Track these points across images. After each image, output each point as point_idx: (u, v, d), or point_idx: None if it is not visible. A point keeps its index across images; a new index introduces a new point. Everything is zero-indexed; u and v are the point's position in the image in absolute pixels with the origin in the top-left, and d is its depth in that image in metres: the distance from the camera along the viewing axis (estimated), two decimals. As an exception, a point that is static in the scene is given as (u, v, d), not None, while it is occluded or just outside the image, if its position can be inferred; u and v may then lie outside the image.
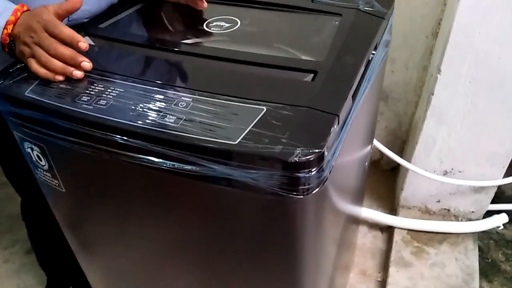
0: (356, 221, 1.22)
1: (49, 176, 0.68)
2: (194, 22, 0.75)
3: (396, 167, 1.49)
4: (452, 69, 1.04)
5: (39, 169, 0.69)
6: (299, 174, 0.48)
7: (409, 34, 1.22)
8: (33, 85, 0.61)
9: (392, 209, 1.41)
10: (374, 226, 1.37)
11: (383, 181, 1.50)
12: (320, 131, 0.50)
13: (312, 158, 0.47)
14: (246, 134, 0.50)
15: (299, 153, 0.47)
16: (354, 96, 0.59)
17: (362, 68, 0.62)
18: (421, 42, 1.23)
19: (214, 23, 0.74)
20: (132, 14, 0.78)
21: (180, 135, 0.51)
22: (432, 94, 1.10)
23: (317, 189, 0.50)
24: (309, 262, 0.61)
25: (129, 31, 0.74)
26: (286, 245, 0.56)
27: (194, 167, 0.52)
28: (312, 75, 0.59)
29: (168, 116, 0.53)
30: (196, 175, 0.52)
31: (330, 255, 0.75)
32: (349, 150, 0.67)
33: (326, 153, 0.49)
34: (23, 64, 0.65)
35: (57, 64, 0.59)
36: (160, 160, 0.53)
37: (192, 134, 0.51)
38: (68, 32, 0.60)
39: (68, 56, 0.59)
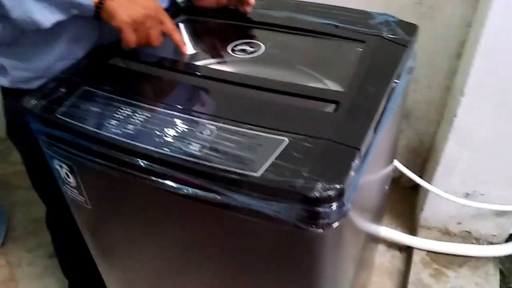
0: (375, 240, 1.21)
1: (76, 193, 0.71)
2: (220, 45, 0.77)
3: (417, 185, 1.47)
4: (476, 92, 1.03)
5: (67, 186, 0.71)
6: (320, 209, 0.49)
7: (432, 54, 1.21)
8: (64, 106, 0.64)
9: (412, 228, 1.39)
10: (393, 245, 1.35)
11: (403, 199, 1.49)
12: (341, 166, 0.51)
13: (332, 194, 0.48)
14: (269, 166, 0.51)
15: (320, 188, 0.48)
16: (376, 127, 0.59)
17: (385, 99, 0.62)
18: (444, 62, 1.21)
19: (239, 47, 0.75)
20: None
21: (203, 164, 0.52)
22: (455, 116, 1.09)
23: (337, 223, 0.51)
24: (326, 284, 0.61)
25: (157, 54, 0.76)
26: (304, 276, 0.57)
27: (216, 196, 0.53)
28: (334, 105, 0.60)
29: (192, 144, 0.55)
30: (218, 203, 0.53)
31: (348, 277, 0.75)
32: (370, 178, 0.67)
33: (346, 188, 0.49)
34: (54, 85, 0.68)
35: (143, 44, 0.69)
36: (183, 186, 0.55)
37: (215, 164, 0.52)
38: (173, 26, 0.71)
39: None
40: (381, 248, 1.35)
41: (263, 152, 0.53)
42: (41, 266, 1.36)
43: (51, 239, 1.06)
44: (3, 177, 1.65)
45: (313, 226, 0.50)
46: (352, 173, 0.51)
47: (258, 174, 0.50)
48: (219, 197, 0.53)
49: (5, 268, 1.36)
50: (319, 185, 0.48)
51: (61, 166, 0.68)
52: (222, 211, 0.54)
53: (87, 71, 0.70)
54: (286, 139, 0.54)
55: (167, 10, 0.80)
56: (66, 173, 0.68)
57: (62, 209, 0.83)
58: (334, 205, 0.49)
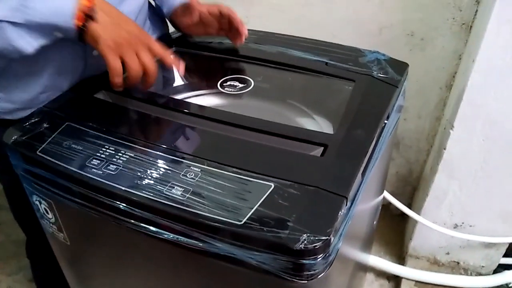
0: (364, 269, 1.20)
1: (55, 229, 0.68)
2: (208, 80, 0.76)
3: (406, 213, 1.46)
4: (465, 126, 1.03)
5: (45, 221, 0.69)
6: (304, 261, 0.47)
7: (423, 85, 1.21)
8: (46, 143, 0.62)
9: (400, 257, 1.38)
10: (382, 274, 1.34)
11: (392, 226, 1.48)
12: (327, 216, 0.49)
13: (318, 246, 0.46)
14: (252, 213, 0.49)
15: (304, 239, 0.46)
16: (364, 171, 0.58)
17: (374, 141, 0.62)
18: (434, 93, 1.22)
19: (228, 83, 0.75)
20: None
21: (185, 210, 0.51)
22: (444, 149, 1.09)
23: (323, 274, 0.49)
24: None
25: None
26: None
27: (197, 242, 0.51)
28: (322, 148, 0.59)
29: (175, 187, 0.54)
30: (199, 250, 0.52)
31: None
32: (358, 219, 0.66)
33: (332, 238, 0.48)
34: (37, 119, 0.66)
35: (138, 71, 0.63)
36: (164, 231, 0.53)
37: (198, 210, 0.51)
38: (163, 49, 0.66)
39: (151, 71, 0.64)
40: (369, 277, 1.33)
41: (248, 198, 0.51)
42: (21, 291, 1.32)
43: (30, 267, 1.02)
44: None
45: (298, 278, 0.48)
46: (339, 222, 0.50)
47: (241, 222, 0.49)
48: (200, 244, 0.51)
49: (-16, 293, 1.32)
50: (304, 237, 0.47)
51: (40, 202, 0.66)
52: (202, 258, 0.52)
53: (71, 105, 0.68)
54: (272, 185, 0.53)
55: (159, 39, 0.79)
56: (45, 209, 0.66)
57: (42, 240, 0.81)
58: (320, 257, 0.48)
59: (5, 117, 0.71)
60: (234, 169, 0.55)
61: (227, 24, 0.80)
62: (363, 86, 0.70)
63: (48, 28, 0.60)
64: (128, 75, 0.63)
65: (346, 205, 0.52)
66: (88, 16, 0.59)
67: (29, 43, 0.60)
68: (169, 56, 0.67)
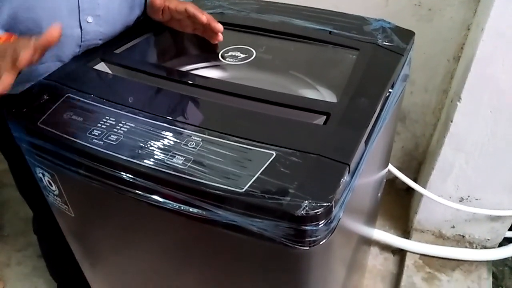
0: (368, 243, 1.20)
1: (59, 201, 0.69)
2: (209, 51, 0.75)
3: (411, 187, 1.46)
4: (473, 97, 1.01)
5: (50, 194, 0.69)
6: (306, 227, 0.47)
7: (430, 57, 1.19)
8: (46, 114, 0.61)
9: (405, 231, 1.38)
10: (386, 247, 1.34)
11: (397, 201, 1.47)
12: (329, 182, 0.49)
13: (319, 212, 0.46)
14: (254, 181, 0.49)
15: (306, 206, 0.46)
16: (367, 140, 0.57)
17: (378, 110, 0.60)
18: (442, 65, 1.19)
19: (230, 53, 0.73)
20: (148, 39, 0.78)
21: (187, 179, 0.51)
22: (451, 121, 1.07)
23: (324, 240, 0.49)
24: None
25: (144, 59, 0.74)
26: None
27: (199, 211, 0.51)
28: (324, 117, 0.58)
29: (176, 156, 0.53)
30: (201, 219, 0.52)
31: (338, 283, 0.73)
32: (361, 189, 0.65)
33: (334, 205, 0.48)
34: (37, 91, 0.66)
35: None
36: (166, 200, 0.53)
37: (199, 179, 0.50)
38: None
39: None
40: (373, 250, 1.34)
41: (249, 166, 0.51)
42: (29, 266, 1.35)
43: (38, 243, 1.04)
44: (-8, 175, 1.63)
45: (300, 244, 0.48)
46: (340, 189, 0.49)
47: (243, 190, 0.48)
48: (203, 212, 0.51)
49: (-6, 267, 1.35)
50: (306, 203, 0.46)
51: (43, 174, 0.66)
52: (205, 226, 0.52)
53: (71, 77, 0.68)
54: (273, 153, 0.52)
55: (139, 18, 0.76)
56: (49, 181, 0.66)
57: (48, 214, 0.81)
58: (321, 223, 0.47)
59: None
60: (236, 138, 0.54)
61: (199, 23, 0.74)
62: (368, 55, 0.69)
63: None
64: None
65: (349, 172, 0.51)
66: None
67: None
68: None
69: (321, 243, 0.49)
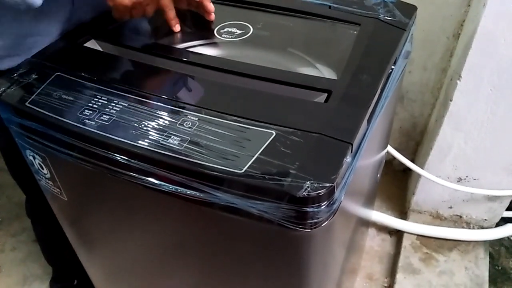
0: (366, 224, 1.20)
1: (51, 184, 0.67)
2: (205, 27, 0.72)
3: (409, 168, 1.45)
4: (473, 75, 0.99)
5: (41, 177, 0.67)
6: (308, 209, 0.45)
7: (429, 34, 1.16)
8: (35, 94, 0.59)
9: (402, 212, 1.38)
10: (383, 229, 1.34)
11: (395, 182, 1.47)
12: (332, 162, 0.47)
13: (322, 193, 0.45)
14: (253, 162, 0.47)
15: (308, 187, 0.44)
16: (370, 118, 0.56)
17: (380, 87, 0.58)
18: (441, 43, 1.17)
19: (226, 29, 0.70)
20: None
21: (183, 160, 0.49)
22: (451, 100, 1.05)
23: (326, 222, 0.48)
24: (315, 281, 0.59)
25: (137, 36, 0.70)
26: (292, 274, 0.54)
27: (197, 193, 0.50)
28: (326, 95, 0.56)
29: (172, 137, 0.51)
30: (199, 201, 0.50)
31: (337, 266, 0.73)
32: (362, 170, 0.64)
33: (336, 186, 0.46)
34: (25, 70, 0.63)
35: None
36: (162, 182, 0.51)
37: (196, 159, 0.48)
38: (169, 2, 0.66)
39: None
40: (371, 231, 1.34)
41: (248, 146, 0.49)
42: (24, 251, 1.33)
43: (32, 226, 1.02)
44: (-15, 159, 1.60)
45: (301, 226, 0.47)
46: (343, 170, 0.47)
47: (242, 171, 0.47)
48: (200, 195, 0.49)
49: (-12, 253, 1.33)
50: (308, 184, 0.45)
51: (34, 157, 0.64)
52: (204, 209, 0.51)
53: (61, 55, 0.65)
54: (273, 132, 0.50)
55: None
56: (40, 164, 0.64)
57: (41, 197, 0.79)
58: (323, 205, 0.46)
59: None
60: (233, 117, 0.52)
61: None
62: (369, 30, 0.66)
63: None
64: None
65: (351, 152, 0.49)
66: None
67: None
68: (172, 12, 0.68)
69: (322, 225, 0.48)
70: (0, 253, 1.33)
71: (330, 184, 0.45)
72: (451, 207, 1.27)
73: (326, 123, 0.51)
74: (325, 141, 0.49)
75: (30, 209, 0.95)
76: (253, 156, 0.48)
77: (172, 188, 0.51)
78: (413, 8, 0.73)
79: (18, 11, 0.63)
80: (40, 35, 0.66)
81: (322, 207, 0.46)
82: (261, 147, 0.48)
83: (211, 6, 0.71)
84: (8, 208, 1.46)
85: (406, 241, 1.27)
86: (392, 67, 0.63)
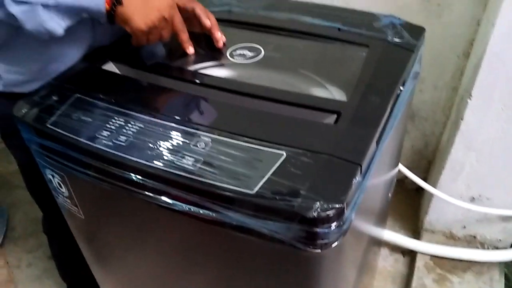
0: (378, 243, 1.19)
1: (69, 203, 0.69)
2: (218, 50, 0.74)
3: (421, 187, 1.44)
4: (484, 94, 1.00)
5: (60, 195, 0.69)
6: (318, 229, 0.46)
7: (439, 53, 1.17)
8: (55, 115, 0.61)
9: (415, 231, 1.37)
10: (396, 248, 1.33)
11: (407, 200, 1.46)
12: (341, 183, 0.48)
13: (332, 214, 0.45)
14: (265, 182, 0.48)
15: (318, 207, 0.45)
16: (379, 139, 0.57)
17: (389, 108, 0.59)
18: (451, 62, 1.18)
19: (238, 52, 0.73)
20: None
21: (197, 180, 0.50)
22: (462, 119, 1.06)
23: (336, 243, 0.49)
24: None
25: (152, 58, 0.73)
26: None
27: (209, 212, 0.51)
28: (335, 116, 0.57)
29: (186, 157, 0.53)
30: (211, 220, 0.51)
31: (349, 285, 0.73)
32: (373, 189, 0.64)
33: (346, 206, 0.47)
34: (46, 92, 0.65)
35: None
36: (176, 202, 0.53)
37: (209, 180, 0.50)
38: (181, 25, 0.70)
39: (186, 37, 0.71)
40: (383, 251, 1.32)
41: (260, 167, 0.50)
42: (40, 268, 1.35)
43: (48, 243, 1.04)
44: (4, 176, 1.64)
45: (311, 246, 0.48)
46: (353, 190, 0.48)
47: (253, 191, 0.48)
48: (213, 214, 0.51)
49: (4, 269, 1.35)
50: (318, 205, 0.46)
51: (53, 176, 0.66)
52: (216, 228, 0.52)
53: (80, 77, 0.68)
54: (284, 153, 0.51)
55: None
56: (59, 183, 0.66)
57: (58, 214, 0.82)
58: (333, 225, 0.47)
59: (14, 90, 0.70)
60: (245, 138, 0.54)
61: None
62: (378, 52, 0.68)
63: (78, 10, 0.61)
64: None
65: (361, 173, 0.50)
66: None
67: (59, 25, 0.61)
68: (185, 34, 0.71)
69: (333, 245, 0.48)
70: (16, 269, 1.35)
71: (340, 205, 0.46)
72: (464, 227, 1.26)
73: (335, 144, 0.52)
74: (335, 162, 0.50)
75: (47, 226, 0.98)
76: (264, 177, 0.49)
77: (185, 208, 0.52)
78: (421, 30, 0.75)
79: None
80: (63, 61, 0.69)
81: (332, 228, 0.47)
82: (272, 168, 0.50)
83: (218, 36, 0.74)
84: (25, 225, 1.49)
85: (419, 262, 1.25)
86: (401, 88, 0.65)
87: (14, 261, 1.38)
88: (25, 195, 1.53)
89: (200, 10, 0.73)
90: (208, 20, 0.73)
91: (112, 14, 0.61)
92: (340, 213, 0.46)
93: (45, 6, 0.58)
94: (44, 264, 1.36)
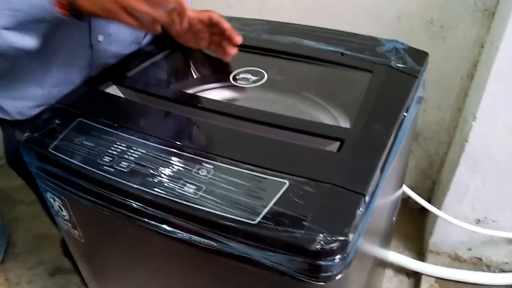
0: (383, 266, 1.17)
1: (70, 226, 0.68)
2: (221, 73, 0.74)
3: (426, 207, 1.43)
4: (488, 117, 0.99)
5: (60, 218, 0.69)
6: (321, 262, 0.45)
7: (443, 74, 1.17)
8: (58, 140, 0.61)
9: (420, 252, 1.35)
10: (401, 270, 1.31)
11: (411, 220, 1.44)
12: (345, 215, 0.47)
13: (335, 247, 0.45)
14: (267, 212, 0.48)
15: (321, 240, 0.45)
16: (383, 167, 0.56)
17: (393, 135, 0.59)
18: (455, 83, 1.17)
19: (241, 75, 0.73)
20: (159, 61, 0.78)
21: (198, 209, 0.50)
22: (466, 141, 1.05)
23: (340, 275, 0.48)
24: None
25: (156, 81, 0.73)
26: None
27: (211, 242, 0.50)
28: (338, 143, 0.57)
29: (188, 185, 0.52)
30: (213, 250, 0.50)
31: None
32: (376, 216, 0.63)
33: (350, 238, 0.46)
34: (49, 116, 0.65)
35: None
36: (176, 230, 0.52)
37: (211, 209, 0.49)
38: None
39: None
40: (388, 273, 1.30)
41: (262, 196, 0.49)
42: (40, 285, 1.34)
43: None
44: (6, 191, 1.63)
45: (314, 279, 0.47)
46: (356, 221, 0.47)
47: (255, 221, 0.47)
48: (214, 244, 0.50)
49: (4, 286, 1.34)
50: (321, 237, 0.45)
51: (54, 199, 0.66)
52: (217, 258, 0.51)
53: (82, 101, 0.68)
54: (287, 182, 0.51)
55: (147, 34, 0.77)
56: (59, 206, 0.66)
57: None
58: (337, 258, 0.46)
59: (18, 118, 0.71)
60: (248, 166, 0.53)
61: (217, 35, 0.73)
62: (381, 77, 0.68)
63: (39, 22, 0.58)
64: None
65: (364, 203, 0.50)
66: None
67: (29, 40, 0.59)
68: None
69: (336, 278, 0.47)
70: (16, 286, 1.34)
71: (343, 238, 0.45)
72: (470, 249, 1.24)
73: (338, 173, 0.52)
74: (338, 192, 0.49)
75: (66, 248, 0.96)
76: (267, 207, 0.48)
77: (186, 236, 0.52)
78: (425, 55, 0.75)
79: (51, 58, 0.67)
80: (65, 84, 0.69)
81: (335, 260, 0.46)
82: (274, 197, 0.49)
83: (238, 38, 0.71)
84: (26, 241, 1.48)
85: (424, 284, 1.23)
86: (405, 114, 0.64)
87: (14, 278, 1.36)
88: (27, 211, 1.53)
89: (217, 16, 0.71)
90: (228, 24, 0.71)
91: (74, 12, 0.57)
92: (344, 245, 0.45)
93: (5, 28, 0.56)
94: (44, 282, 1.35)
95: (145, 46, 0.81)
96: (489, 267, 1.24)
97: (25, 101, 0.70)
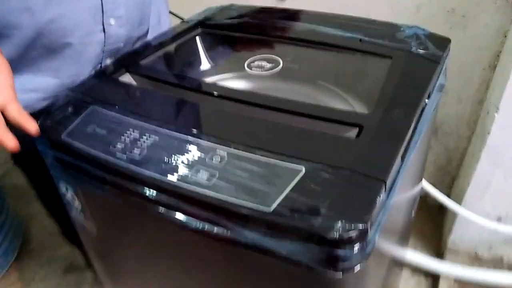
0: (401, 265, 1.14)
1: (82, 216, 0.67)
2: (235, 61, 0.73)
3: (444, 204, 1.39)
4: (512, 108, 0.96)
5: (73, 209, 0.68)
6: (339, 251, 0.43)
7: (464, 65, 1.13)
8: (70, 127, 0.60)
9: (439, 251, 1.31)
10: (418, 270, 1.27)
11: (430, 218, 1.40)
12: (365, 201, 0.45)
13: (354, 235, 0.42)
14: (283, 200, 0.46)
15: (339, 228, 0.42)
16: (404, 154, 0.53)
17: (414, 122, 0.56)
18: (477, 75, 1.14)
19: (256, 63, 0.71)
20: (173, 49, 0.77)
21: (211, 196, 0.48)
22: (488, 133, 1.01)
23: (359, 266, 0.45)
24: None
25: (169, 69, 0.72)
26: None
27: (224, 230, 0.48)
28: (357, 129, 0.54)
29: (201, 172, 0.51)
30: (226, 239, 0.48)
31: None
32: (396, 208, 0.61)
33: (370, 227, 0.44)
34: (62, 103, 0.65)
35: None
36: (190, 218, 0.50)
37: (224, 196, 0.47)
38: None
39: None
40: (405, 273, 1.27)
41: (278, 183, 0.47)
42: (54, 282, 1.34)
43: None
44: (21, 188, 1.64)
45: (332, 269, 0.44)
46: (377, 209, 0.45)
47: (270, 209, 0.45)
48: (227, 232, 0.48)
49: (18, 283, 1.34)
50: (339, 225, 0.43)
51: (67, 189, 0.65)
52: (231, 248, 0.49)
53: (96, 88, 0.67)
54: (303, 168, 0.49)
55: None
56: (72, 196, 0.65)
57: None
58: (356, 247, 0.44)
59: (32, 111, 0.70)
60: (263, 152, 0.51)
61: None
62: (401, 63, 0.65)
63: None
64: None
65: (385, 190, 0.47)
66: None
67: None
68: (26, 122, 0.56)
69: (355, 269, 0.45)
70: (31, 282, 1.35)
71: (363, 225, 0.43)
72: (490, 248, 1.20)
73: (357, 159, 0.49)
74: (357, 178, 0.47)
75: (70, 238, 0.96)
76: (282, 194, 0.46)
77: (199, 224, 0.50)
78: (447, 41, 0.72)
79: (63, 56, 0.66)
80: (80, 73, 0.69)
81: (354, 250, 0.43)
82: (290, 184, 0.47)
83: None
84: (40, 238, 1.49)
85: (443, 284, 1.19)
86: (426, 100, 0.62)
87: (29, 274, 1.37)
88: (40, 208, 1.53)
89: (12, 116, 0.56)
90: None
91: None
92: (363, 234, 0.43)
93: None
94: (58, 280, 1.35)
95: (158, 35, 0.80)
96: (510, 267, 1.20)
97: (35, 93, 0.69)
